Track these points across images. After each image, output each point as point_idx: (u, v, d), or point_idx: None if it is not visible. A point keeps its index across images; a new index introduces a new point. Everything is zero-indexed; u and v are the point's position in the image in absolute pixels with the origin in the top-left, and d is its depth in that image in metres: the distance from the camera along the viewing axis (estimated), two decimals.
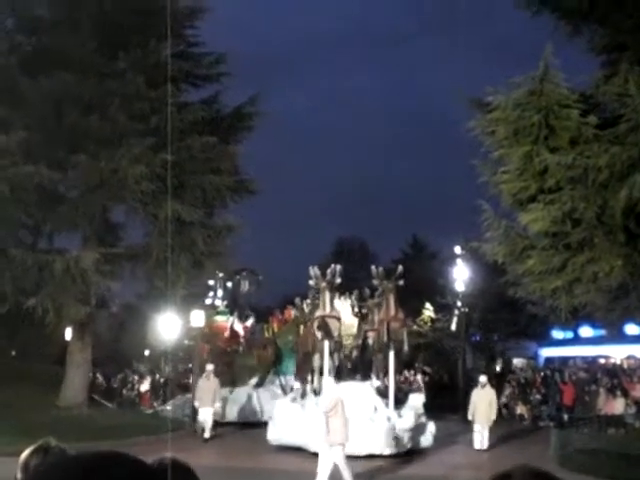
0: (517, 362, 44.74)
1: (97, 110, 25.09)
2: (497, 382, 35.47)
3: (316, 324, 21.95)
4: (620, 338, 35.42)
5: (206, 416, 23.34)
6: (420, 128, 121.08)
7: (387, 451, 19.45)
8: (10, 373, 29.92)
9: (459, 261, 40.81)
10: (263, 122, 29.92)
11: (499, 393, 32.71)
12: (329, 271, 21.60)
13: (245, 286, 38.39)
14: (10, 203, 23.76)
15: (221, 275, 38.00)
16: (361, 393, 20.67)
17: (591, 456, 18.34)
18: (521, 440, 23.14)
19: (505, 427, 26.54)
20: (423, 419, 21.44)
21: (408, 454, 20.05)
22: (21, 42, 26.03)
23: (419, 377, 37.64)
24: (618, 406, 26.92)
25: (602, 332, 36.29)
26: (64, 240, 27.77)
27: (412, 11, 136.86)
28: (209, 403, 23.46)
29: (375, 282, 22.33)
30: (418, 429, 20.90)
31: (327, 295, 21.53)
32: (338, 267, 21.65)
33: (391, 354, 21.40)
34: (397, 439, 19.77)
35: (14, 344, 42.26)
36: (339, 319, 22.04)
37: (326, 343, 21.29)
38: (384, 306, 22.06)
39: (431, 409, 24.12)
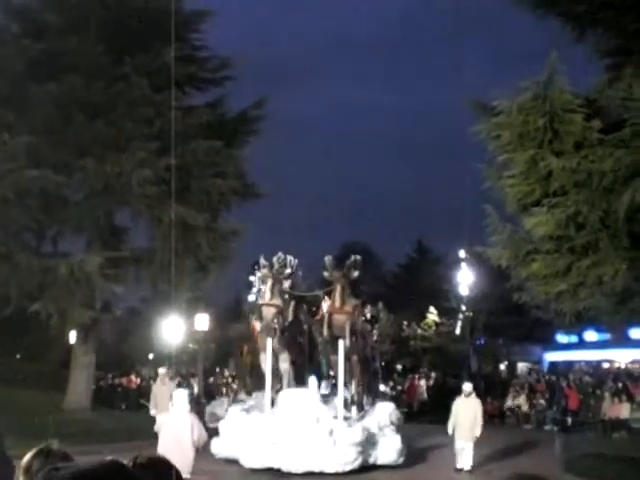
0: (522, 366, 44.69)
1: (102, 114, 25.16)
2: (502, 387, 35.54)
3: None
4: (625, 342, 35.37)
5: None
6: (426, 134, 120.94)
7: (328, 468, 16.90)
8: (15, 376, 29.96)
9: (464, 265, 40.88)
10: (272, 126, 29.98)
11: (503, 397, 32.78)
12: (275, 259, 19.81)
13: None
14: (15, 207, 23.81)
15: None
16: (303, 402, 18.23)
17: (596, 460, 18.29)
18: (525, 445, 23.01)
19: (509, 432, 26.53)
20: (388, 431, 18.74)
21: (362, 471, 17.36)
22: (27, 46, 26.06)
23: (422, 382, 37.67)
24: (623, 410, 26.86)
25: (607, 336, 36.22)
26: (68, 244, 27.91)
27: (422, 21, 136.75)
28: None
29: (325, 274, 19.50)
30: (374, 443, 18.17)
31: (269, 283, 19.46)
32: (290, 258, 20.00)
33: (340, 353, 18.29)
34: (342, 455, 17.11)
35: (19, 347, 42.28)
36: (277, 307, 19.63)
37: (269, 340, 18.90)
38: (331, 298, 19.69)
39: (435, 414, 23.86)
